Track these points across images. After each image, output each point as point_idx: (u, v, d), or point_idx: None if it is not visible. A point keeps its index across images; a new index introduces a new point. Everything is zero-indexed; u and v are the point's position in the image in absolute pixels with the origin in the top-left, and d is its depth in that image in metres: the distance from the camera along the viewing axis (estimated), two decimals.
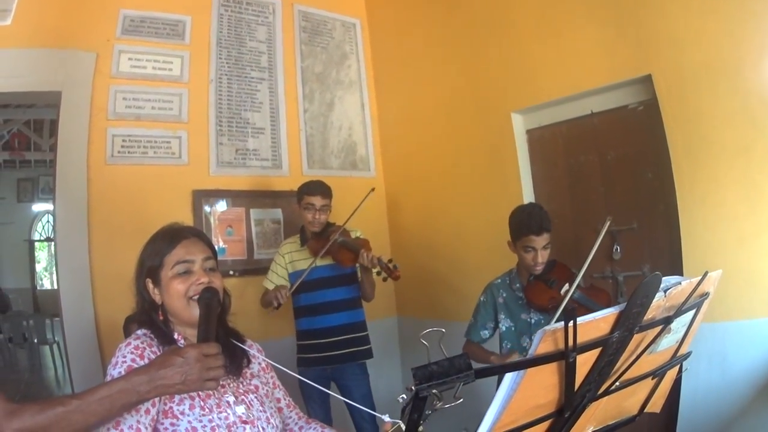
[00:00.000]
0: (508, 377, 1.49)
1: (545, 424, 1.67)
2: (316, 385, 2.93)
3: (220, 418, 2.07)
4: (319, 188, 4.73)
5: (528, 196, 5.30)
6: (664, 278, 1.69)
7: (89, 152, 4.67)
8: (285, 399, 2.51)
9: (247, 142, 5.56)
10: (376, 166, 6.64)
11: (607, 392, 1.76)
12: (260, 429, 2.15)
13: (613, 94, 4.75)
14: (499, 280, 3.84)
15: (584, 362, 1.59)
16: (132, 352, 2.06)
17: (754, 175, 3.88)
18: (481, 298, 3.84)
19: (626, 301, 1.58)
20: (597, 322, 1.56)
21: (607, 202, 4.88)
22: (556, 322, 3.22)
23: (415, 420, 1.56)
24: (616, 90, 4.72)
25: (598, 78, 4.70)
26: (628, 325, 1.62)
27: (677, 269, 4.23)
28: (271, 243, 5.57)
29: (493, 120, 5.49)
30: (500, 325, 3.74)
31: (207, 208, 5.24)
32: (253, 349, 2.45)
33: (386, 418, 2.07)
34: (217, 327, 2.24)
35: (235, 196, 5.46)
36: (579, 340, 1.51)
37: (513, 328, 3.70)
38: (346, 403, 4.52)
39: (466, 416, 2.12)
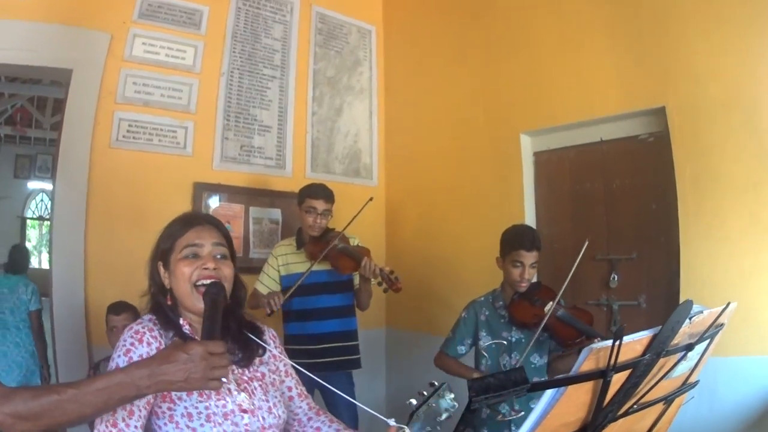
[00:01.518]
0: (548, 394, 1.47)
1: None
2: (333, 386, 2.86)
3: (217, 406, 2.03)
4: (322, 192, 4.64)
5: (530, 218, 5.29)
6: None
7: (94, 134, 4.61)
8: (297, 388, 2.46)
9: (252, 139, 5.52)
10: (378, 175, 6.61)
11: (626, 413, 1.75)
12: (260, 418, 2.11)
13: (625, 123, 4.74)
14: (483, 299, 3.84)
15: (615, 382, 1.58)
16: (132, 336, 2.04)
17: (761, 212, 3.89)
18: (463, 314, 3.84)
19: (660, 326, 1.60)
20: (633, 344, 1.56)
21: (609, 230, 4.86)
22: (535, 337, 3.39)
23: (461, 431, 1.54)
24: (628, 119, 4.71)
25: (612, 106, 4.70)
26: (658, 348, 1.62)
27: (674, 302, 4.19)
28: (267, 243, 5.53)
29: (502, 139, 5.48)
30: (480, 342, 3.71)
31: (207, 202, 5.19)
32: (267, 335, 2.41)
33: (392, 422, 2.04)
34: (230, 319, 2.24)
35: (235, 193, 5.41)
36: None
37: (493, 346, 3.68)
38: (329, 408, 4.47)
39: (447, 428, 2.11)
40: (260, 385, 2.20)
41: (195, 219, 2.23)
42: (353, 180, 6.28)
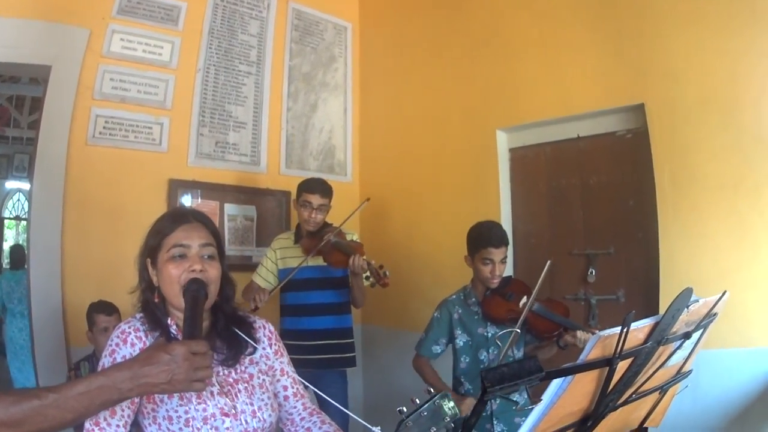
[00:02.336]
0: (556, 383, 1.48)
1: None
2: (327, 385, 2.83)
3: (197, 410, 2.02)
4: (318, 186, 4.60)
5: (506, 214, 5.32)
6: None
7: (71, 131, 4.55)
8: (293, 387, 2.42)
9: (227, 136, 5.49)
10: (353, 171, 6.61)
11: (626, 402, 1.79)
12: (243, 422, 2.09)
13: (603, 119, 4.78)
14: (454, 297, 3.84)
15: (618, 371, 1.60)
16: (118, 336, 2.05)
17: (741, 210, 3.93)
18: (435, 314, 3.82)
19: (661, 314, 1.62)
20: (635, 332, 1.58)
21: (586, 226, 4.90)
22: (506, 333, 3.37)
23: (471, 424, 1.53)
24: (606, 116, 4.75)
25: (590, 103, 4.73)
26: (659, 336, 1.65)
27: (653, 297, 4.28)
28: (243, 240, 5.51)
29: (478, 136, 5.50)
30: (456, 340, 3.71)
31: (182, 199, 5.13)
32: (261, 332, 2.39)
33: (377, 430, 1.97)
34: (218, 316, 2.23)
35: (210, 189, 5.36)
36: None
37: (470, 343, 3.68)
38: (320, 405, 4.45)
39: None
40: (245, 388, 2.18)
41: (183, 216, 2.20)
42: (327, 176, 6.19)
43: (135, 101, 4.88)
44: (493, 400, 3.47)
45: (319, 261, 4.54)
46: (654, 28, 4.34)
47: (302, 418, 2.40)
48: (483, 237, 3.61)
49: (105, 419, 1.89)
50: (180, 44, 5.18)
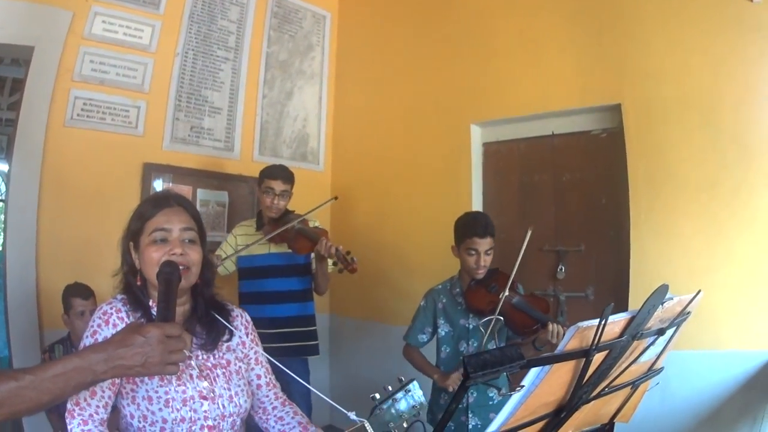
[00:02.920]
0: (534, 372, 1.51)
1: (540, 425, 1.70)
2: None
3: (177, 392, 2.04)
4: (280, 172, 4.57)
5: (477, 208, 5.35)
6: None
7: (50, 112, 4.52)
8: (266, 377, 2.45)
9: (203, 121, 5.48)
10: (325, 160, 6.62)
11: (599, 395, 1.81)
12: (220, 406, 2.12)
13: (578, 118, 4.84)
14: (440, 286, 3.84)
15: (593, 363, 1.64)
16: (100, 317, 2.07)
17: (717, 211, 4.00)
18: (421, 303, 3.83)
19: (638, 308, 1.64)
20: (612, 325, 1.61)
21: (557, 222, 4.95)
22: (487, 321, 3.42)
23: (452, 410, 1.56)
24: (582, 114, 4.80)
25: (566, 101, 4.79)
26: (634, 330, 1.68)
27: (622, 296, 4.33)
28: (214, 225, 5.49)
29: (452, 129, 5.54)
30: (439, 330, 3.73)
31: (155, 183, 5.12)
32: (239, 320, 2.42)
33: (352, 415, 2.06)
34: (198, 300, 2.25)
35: (184, 174, 5.34)
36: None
37: (451, 333, 3.69)
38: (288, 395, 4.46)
39: None
40: (223, 373, 2.20)
41: (165, 200, 2.20)
42: (300, 164, 6.26)
43: (113, 84, 4.85)
44: (470, 393, 3.53)
45: (283, 248, 4.53)
46: (635, 28, 4.39)
47: (274, 407, 2.44)
48: (468, 227, 3.61)
49: (85, 399, 1.92)
50: (160, 28, 5.15)
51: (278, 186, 4.53)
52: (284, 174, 4.59)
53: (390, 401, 2.12)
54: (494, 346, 3.56)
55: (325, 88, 6.63)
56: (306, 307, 4.74)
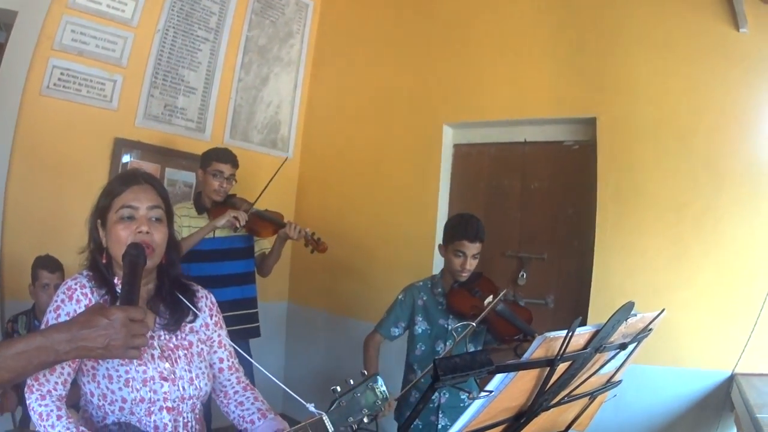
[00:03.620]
0: (499, 377, 1.54)
1: (499, 429, 1.74)
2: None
3: (137, 371, 2.05)
4: (229, 156, 4.55)
5: (443, 208, 5.40)
6: None
7: (27, 80, 4.48)
8: (228, 360, 2.46)
9: (177, 99, 5.45)
10: (295, 148, 6.62)
11: (558, 403, 1.86)
12: (180, 388, 2.13)
13: (552, 127, 4.88)
14: (421, 283, 3.82)
15: (556, 372, 1.68)
16: (64, 293, 2.07)
17: (683, 232, 4.07)
18: (400, 297, 3.79)
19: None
20: (577, 337, 1.65)
21: (522, 228, 4.99)
22: (463, 325, 3.27)
23: (419, 410, 1.59)
24: (556, 125, 4.85)
25: (541, 110, 4.82)
26: (598, 343, 1.72)
27: (582, 307, 4.39)
28: None
29: (425, 128, 5.56)
30: (415, 327, 3.71)
31: (124, 158, 5.09)
32: (203, 302, 2.42)
33: (311, 407, 2.04)
34: (163, 279, 2.25)
35: (154, 152, 5.31)
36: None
37: (429, 332, 3.69)
38: None
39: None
40: (185, 354, 2.21)
41: (133, 178, 2.20)
42: (269, 150, 6.26)
43: (92, 55, 4.81)
44: (442, 394, 3.55)
45: (225, 232, 4.51)
46: (617, 45, 4.44)
47: (236, 392, 2.45)
48: (459, 229, 3.60)
49: (44, 375, 1.92)
50: (143, 3, 5.11)
51: (228, 170, 4.51)
52: (234, 159, 4.58)
53: (351, 394, 2.06)
54: (471, 349, 3.58)
55: (301, 77, 6.62)
56: (249, 290, 4.74)
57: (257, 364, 2.54)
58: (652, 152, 4.23)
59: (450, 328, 3.63)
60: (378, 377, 2.09)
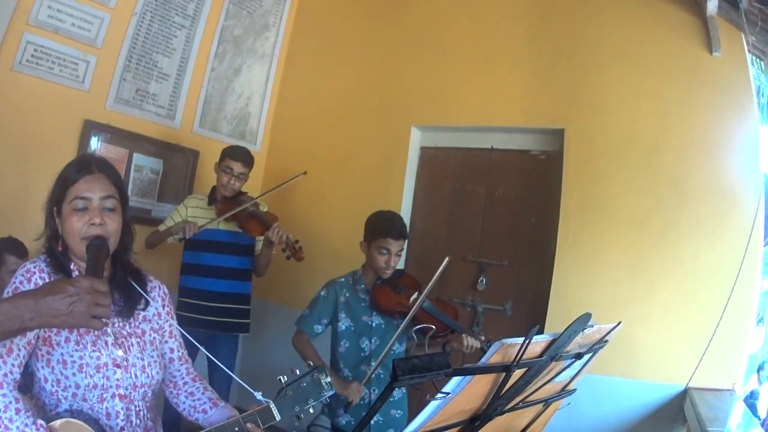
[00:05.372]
0: (455, 380, 1.57)
1: (454, 430, 1.77)
2: (219, 348, 2.87)
3: (91, 357, 2.05)
4: (242, 155, 4.70)
5: (406, 209, 5.46)
6: None
7: (0, 54, 4.40)
8: (178, 351, 2.47)
9: (149, 85, 5.42)
10: (263, 141, 6.63)
11: (513, 408, 1.89)
12: (132, 375, 2.14)
13: (520, 137, 4.94)
14: (343, 279, 3.84)
15: (512, 378, 1.71)
16: (23, 275, 2.07)
17: (644, 248, 4.16)
18: (322, 293, 3.81)
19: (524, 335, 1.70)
20: (534, 345, 1.68)
21: (483, 234, 5.05)
22: (406, 326, 3.42)
23: (377, 408, 1.63)
24: (524, 134, 4.91)
25: (510, 118, 4.89)
26: (554, 352, 1.76)
27: (540, 315, 4.45)
28: (145, 192, 5.44)
29: (393, 128, 5.62)
30: (339, 323, 3.72)
31: (93, 141, 5.04)
32: (156, 291, 2.42)
33: (258, 395, 2.15)
34: (117, 265, 2.25)
35: (123, 136, 5.26)
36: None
37: (353, 328, 3.71)
38: (209, 367, 4.48)
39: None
40: (138, 342, 2.22)
41: (87, 167, 2.18)
42: (237, 142, 6.18)
43: (67, 34, 4.74)
44: (371, 390, 3.59)
45: (231, 226, 4.63)
46: (591, 59, 4.52)
47: (185, 383, 2.47)
48: (383, 227, 3.65)
49: (1, 357, 1.89)
50: None
51: (237, 167, 4.66)
52: (246, 158, 4.72)
53: (297, 384, 2.18)
54: (397, 347, 3.64)
55: (273, 70, 6.62)
56: (244, 286, 4.88)
57: (207, 353, 2.58)
58: (618, 167, 4.31)
59: (374, 324, 3.69)
60: (324, 368, 2.22)
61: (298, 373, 2.21)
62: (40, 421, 1.89)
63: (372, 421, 3.54)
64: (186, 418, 2.46)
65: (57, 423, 1.95)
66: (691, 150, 4.18)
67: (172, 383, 2.45)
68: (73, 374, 2.01)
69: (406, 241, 3.75)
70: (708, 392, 3.88)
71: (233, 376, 2.73)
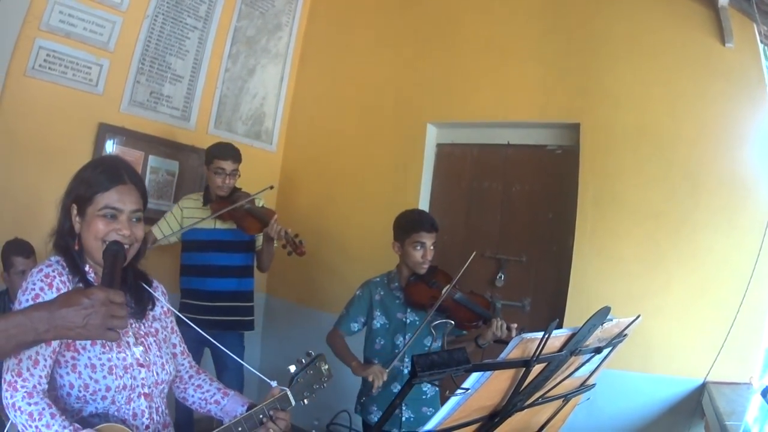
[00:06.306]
0: (475, 375, 1.55)
1: (473, 427, 1.75)
2: (224, 346, 2.88)
3: (118, 358, 2.04)
4: (230, 152, 4.62)
5: (424, 206, 5.42)
6: None
7: (13, 59, 4.41)
8: (180, 346, 2.48)
9: (163, 87, 5.42)
10: (278, 141, 6.62)
11: (532, 404, 1.87)
12: (155, 373, 2.15)
13: (536, 131, 4.91)
14: (378, 279, 3.88)
15: (532, 373, 1.70)
16: (42, 280, 2.01)
17: (660, 241, 4.13)
18: (357, 293, 3.87)
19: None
20: (553, 339, 1.66)
21: (501, 230, 5.03)
22: (437, 323, 3.46)
23: (396, 404, 1.63)
24: (540, 129, 4.88)
25: (525, 113, 4.86)
26: (573, 346, 1.74)
27: (558, 311, 4.42)
28: (162, 194, 5.45)
29: (408, 126, 5.59)
30: (374, 322, 3.77)
31: (108, 144, 5.05)
32: (158, 291, 2.41)
33: (274, 384, 2.24)
34: (127, 270, 2.21)
35: (138, 138, 5.27)
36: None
37: (387, 326, 3.74)
38: (217, 368, 4.48)
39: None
40: (155, 341, 2.23)
41: (119, 176, 2.14)
42: (253, 142, 6.25)
43: (79, 38, 4.75)
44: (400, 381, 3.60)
45: (228, 225, 4.59)
46: (603, 52, 4.49)
47: (190, 376, 2.50)
48: (415, 222, 3.68)
49: (28, 370, 1.86)
50: None
51: (229, 166, 4.59)
52: (234, 154, 4.65)
53: (304, 372, 2.31)
54: (430, 342, 3.66)
55: (287, 70, 6.61)
56: (246, 283, 4.82)
57: (220, 346, 2.61)
58: (633, 160, 4.28)
59: (408, 321, 3.70)
60: (321, 355, 2.38)
61: (304, 362, 2.34)
62: (76, 425, 1.87)
63: (403, 418, 3.60)
64: (197, 411, 2.50)
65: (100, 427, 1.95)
66: (704, 141, 4.15)
67: (177, 378, 2.46)
68: (104, 377, 2.00)
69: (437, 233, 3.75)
70: (725, 386, 3.86)
71: (248, 366, 2.73)
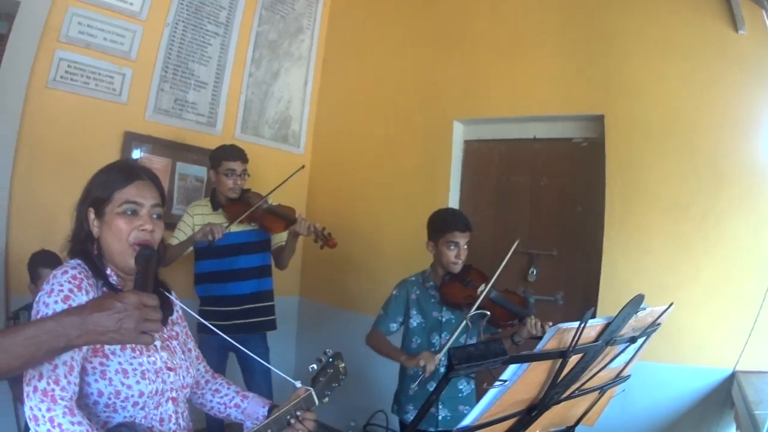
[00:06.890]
0: (512, 368, 1.53)
1: (510, 422, 1.73)
2: (249, 350, 2.87)
3: (149, 362, 2.02)
4: (238, 153, 4.56)
5: (453, 203, 5.40)
6: None
7: (33, 71, 4.43)
8: (195, 350, 2.47)
9: (187, 94, 5.44)
10: (306, 144, 6.63)
11: (569, 397, 1.85)
12: (181, 377, 2.15)
13: (561, 125, 4.87)
14: (413, 278, 3.88)
15: (568, 365, 1.67)
16: (70, 281, 1.94)
17: (688, 231, 4.09)
18: (394, 292, 3.87)
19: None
20: (588, 330, 1.64)
21: (531, 225, 5.00)
22: (472, 314, 3.42)
23: (432, 400, 1.61)
24: (565, 122, 4.85)
25: (550, 107, 4.84)
26: (609, 336, 1.71)
27: (591, 304, 4.38)
28: (191, 200, 5.38)
29: (435, 124, 5.56)
30: (410, 320, 3.77)
31: (135, 152, 5.07)
32: (173, 295, 2.37)
33: (298, 383, 2.29)
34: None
35: (164, 146, 5.30)
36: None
37: (423, 325, 3.74)
38: (245, 371, 4.47)
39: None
40: (178, 344, 2.23)
41: (136, 172, 2.15)
42: (280, 146, 6.27)
43: (100, 48, 4.78)
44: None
45: (242, 226, 4.53)
46: (622, 45, 4.45)
47: (207, 381, 2.50)
48: (449, 221, 3.69)
49: (65, 377, 1.78)
50: None
51: (239, 167, 4.53)
52: (242, 154, 4.59)
53: (325, 371, 2.37)
54: (467, 340, 3.61)
55: (311, 72, 6.63)
56: (266, 283, 4.79)
57: (245, 350, 2.62)
58: (657, 152, 4.25)
59: (444, 320, 3.71)
60: (338, 353, 2.45)
61: (323, 360, 2.40)
62: None
63: (440, 417, 3.61)
64: (216, 416, 2.49)
65: None
66: (725, 132, 4.10)
67: (194, 383, 2.42)
68: (137, 382, 1.96)
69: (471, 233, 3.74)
70: (753, 375, 3.82)
71: (273, 369, 2.72)
